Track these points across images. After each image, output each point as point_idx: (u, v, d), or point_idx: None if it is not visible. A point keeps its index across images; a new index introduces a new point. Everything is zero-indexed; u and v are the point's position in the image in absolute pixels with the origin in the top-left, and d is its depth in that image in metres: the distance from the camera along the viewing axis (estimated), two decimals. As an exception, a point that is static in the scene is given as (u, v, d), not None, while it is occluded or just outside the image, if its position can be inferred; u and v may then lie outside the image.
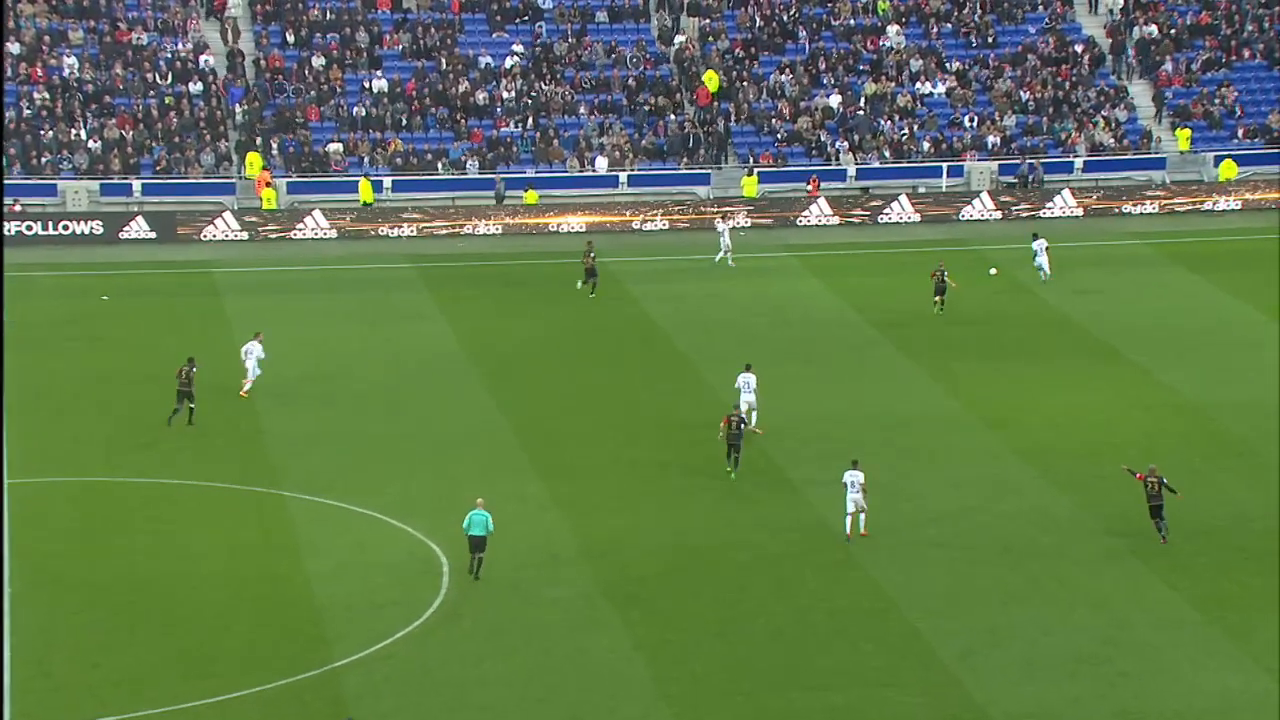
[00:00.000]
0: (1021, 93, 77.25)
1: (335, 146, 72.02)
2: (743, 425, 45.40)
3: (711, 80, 75.45)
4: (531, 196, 70.79)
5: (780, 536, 42.36)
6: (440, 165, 72.20)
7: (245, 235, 68.55)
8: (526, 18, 77.71)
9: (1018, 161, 74.12)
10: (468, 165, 72.35)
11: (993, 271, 63.28)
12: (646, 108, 74.98)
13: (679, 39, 77.53)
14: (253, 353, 50.63)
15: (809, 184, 72.68)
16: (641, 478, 45.76)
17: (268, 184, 68.80)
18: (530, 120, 74.14)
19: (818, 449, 47.36)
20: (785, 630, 38.01)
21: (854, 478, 41.60)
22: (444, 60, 75.62)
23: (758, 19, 78.78)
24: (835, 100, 76.16)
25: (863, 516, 41.57)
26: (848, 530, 41.63)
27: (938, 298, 59.01)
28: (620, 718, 34.63)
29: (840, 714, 34.74)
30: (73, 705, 34.42)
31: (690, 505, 44.13)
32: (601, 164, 73.12)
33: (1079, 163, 74.88)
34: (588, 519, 43.26)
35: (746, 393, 47.50)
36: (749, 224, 70.90)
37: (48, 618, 37.78)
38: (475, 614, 38.57)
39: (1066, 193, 73.23)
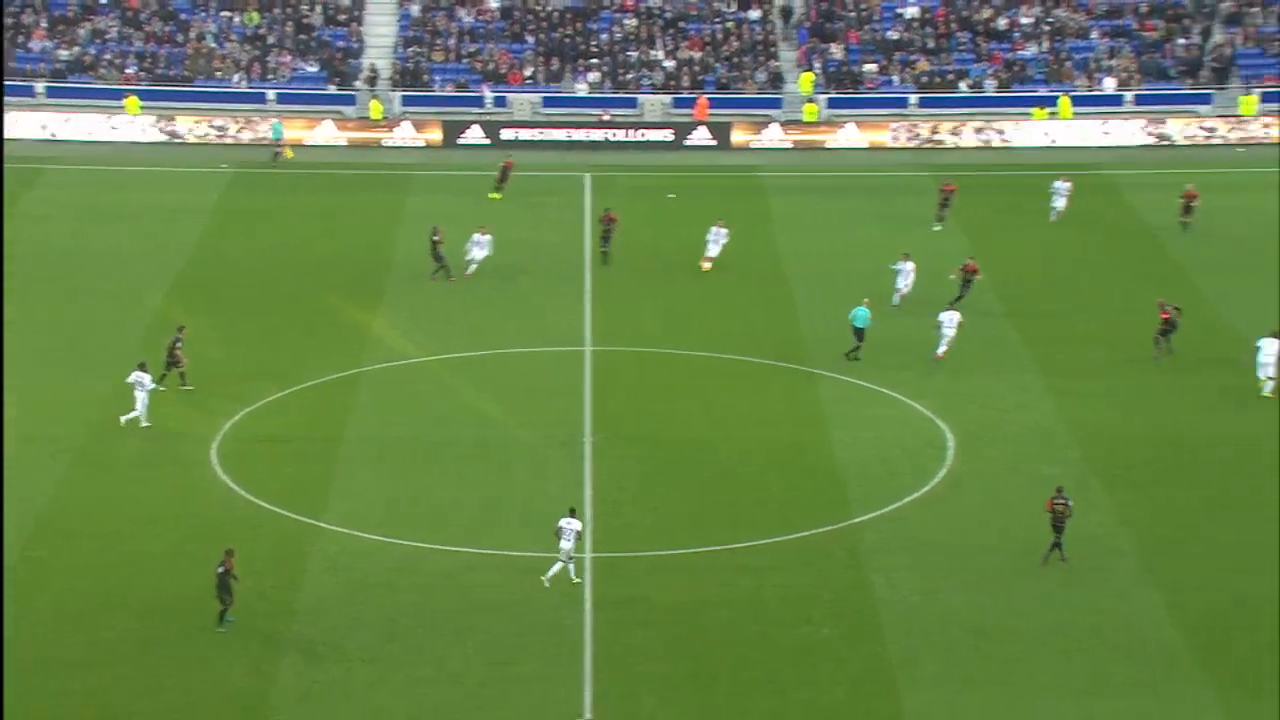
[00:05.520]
0: None
1: (870, 67, 71.41)
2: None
3: None
4: (1039, 113, 68.34)
5: (1269, 434, 39.96)
6: (961, 85, 70.54)
7: (789, 144, 68.90)
8: (1046, -51, 74.84)
9: None
10: (985, 85, 70.47)
11: (670, 196, 57.93)
12: (1156, 33, 71.19)
13: (1189, -32, 73.18)
14: (480, 243, 50.94)
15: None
16: (1132, 374, 43.92)
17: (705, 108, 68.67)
18: (1045, 43, 71.54)
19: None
20: (1270, 519, 35.90)
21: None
22: (970, -11, 73.80)
23: (1270, -53, 73.50)
24: (1340, 23, 70.54)
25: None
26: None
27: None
28: (1106, 588, 33.56)
29: (1315, 601, 32.73)
30: (642, 540, 35.60)
31: (1179, 402, 42.14)
32: (1109, 84, 69.90)
33: None
34: (1082, 408, 41.88)
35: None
36: (1247, 142, 66.67)
37: (618, 466, 39.24)
38: (976, 487, 38.00)
39: None
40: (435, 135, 69.02)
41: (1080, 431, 40.55)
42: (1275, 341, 42.30)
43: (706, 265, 51.84)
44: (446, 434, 40.91)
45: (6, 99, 67.90)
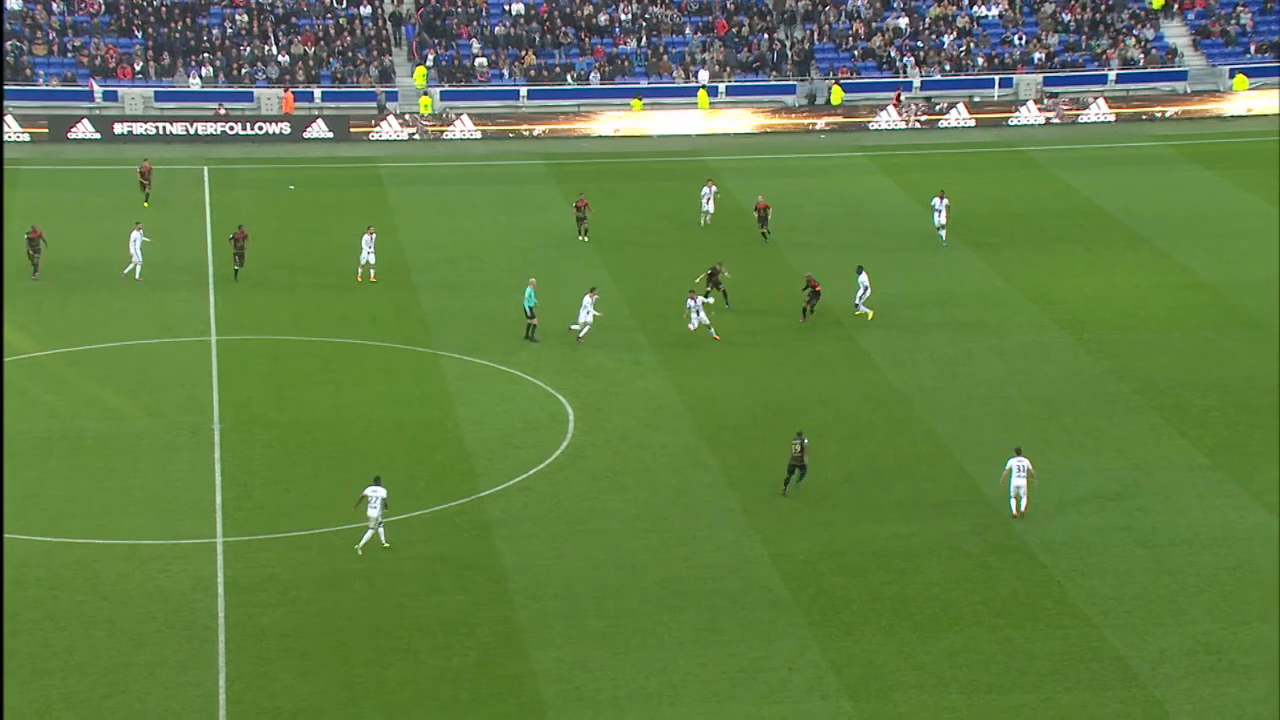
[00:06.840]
0: (1063, 15, 75.53)
1: (481, 60, 71.49)
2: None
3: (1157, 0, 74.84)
4: (637, 105, 69.88)
5: (852, 396, 41.95)
6: (569, 77, 71.42)
7: (406, 136, 68.33)
8: (642, -49, 76.44)
9: (1059, 74, 72.52)
10: (591, 77, 71.54)
11: (291, 188, 60.08)
12: (742, 29, 73.76)
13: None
14: (136, 240, 49.18)
15: (894, 98, 71.26)
16: (735, 346, 45.38)
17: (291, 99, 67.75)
18: (644, 39, 73.17)
19: (886, 323, 46.75)
20: (856, 472, 37.72)
21: (1019, 464, 35.25)
22: (572, -13, 74.72)
23: (839, -48, 77.16)
24: (904, 21, 74.77)
25: (1024, 500, 35.21)
26: (1014, 511, 35.24)
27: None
28: (716, 543, 34.56)
29: (903, 540, 34.52)
30: (271, 522, 34.81)
31: (777, 370, 43.78)
32: (703, 76, 72.04)
33: (1112, 75, 73.06)
34: (691, 379, 43.02)
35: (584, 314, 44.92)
36: (828, 129, 69.85)
37: (248, 451, 38.18)
38: (595, 456, 38.56)
39: (1101, 101, 71.50)
40: (41, 129, 65.61)
41: (690, 400, 41.63)
42: (864, 274, 46.86)
43: (373, 277, 49.36)
44: (68, 427, 39.00)
45: None
